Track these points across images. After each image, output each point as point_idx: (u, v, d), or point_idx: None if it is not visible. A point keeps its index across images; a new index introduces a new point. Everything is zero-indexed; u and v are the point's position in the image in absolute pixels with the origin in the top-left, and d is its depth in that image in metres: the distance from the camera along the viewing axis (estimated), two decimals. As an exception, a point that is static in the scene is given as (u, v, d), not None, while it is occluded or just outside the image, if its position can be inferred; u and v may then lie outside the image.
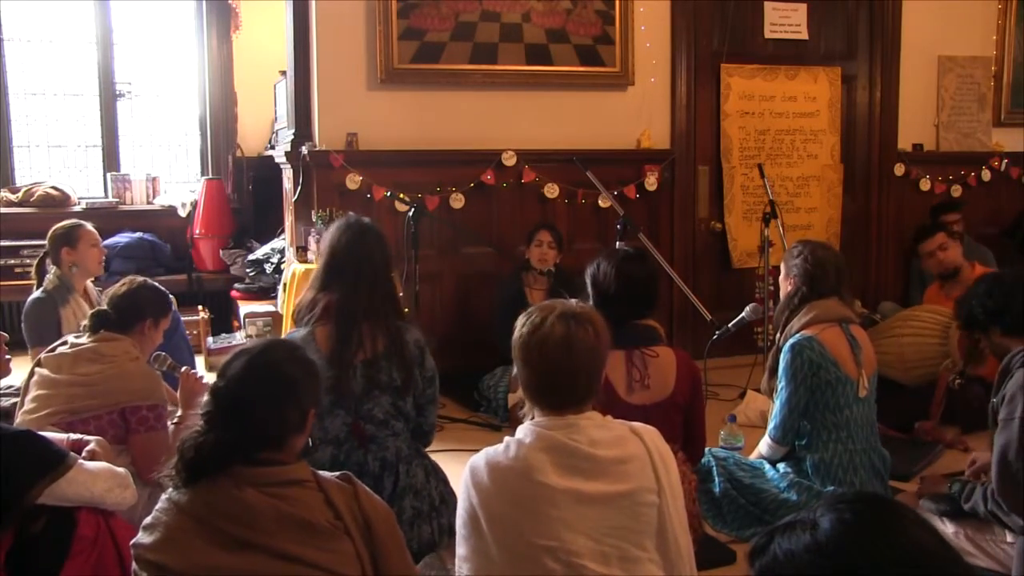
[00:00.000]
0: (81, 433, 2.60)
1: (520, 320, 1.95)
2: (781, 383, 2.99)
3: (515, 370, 1.98)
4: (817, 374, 2.91)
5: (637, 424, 1.95)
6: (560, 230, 4.57)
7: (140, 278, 3.03)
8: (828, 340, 2.95)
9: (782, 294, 3.16)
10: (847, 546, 0.98)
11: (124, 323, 2.86)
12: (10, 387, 3.48)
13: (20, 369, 3.06)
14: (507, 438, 1.90)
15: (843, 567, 0.97)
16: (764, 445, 3.09)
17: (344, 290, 2.69)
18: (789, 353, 2.96)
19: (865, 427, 2.98)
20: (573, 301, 1.99)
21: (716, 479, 3.05)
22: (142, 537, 1.68)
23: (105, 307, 2.90)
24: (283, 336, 2.77)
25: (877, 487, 2.97)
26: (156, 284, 3.04)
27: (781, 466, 3.03)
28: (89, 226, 3.92)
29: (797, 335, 2.98)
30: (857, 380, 2.95)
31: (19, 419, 2.73)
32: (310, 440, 2.60)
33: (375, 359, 2.67)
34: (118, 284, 2.97)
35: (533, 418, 1.92)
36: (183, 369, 2.98)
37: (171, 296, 3.02)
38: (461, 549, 1.88)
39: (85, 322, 2.89)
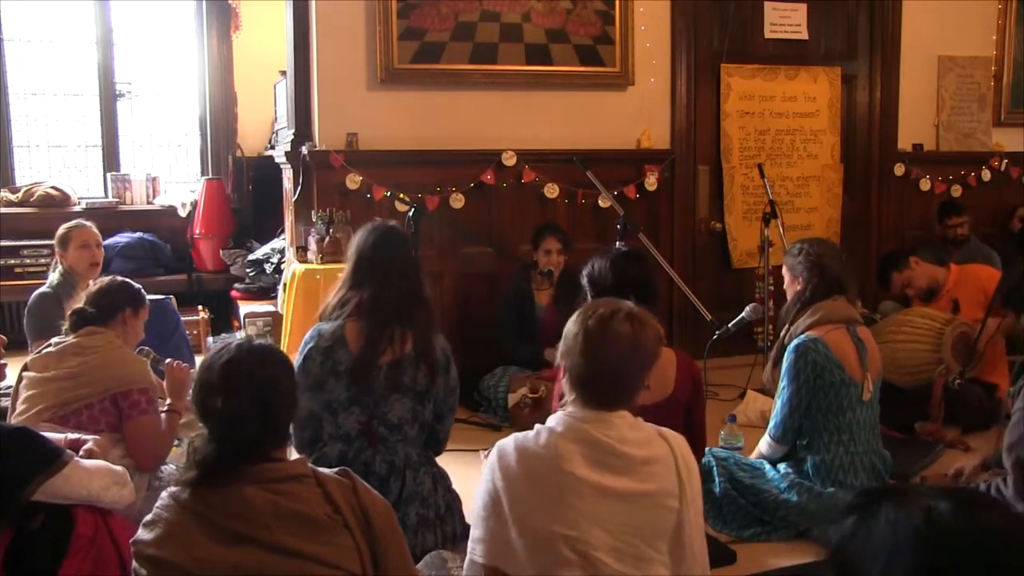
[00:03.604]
0: (75, 424, 2.64)
1: (583, 311, 1.95)
2: (783, 382, 2.98)
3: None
4: (821, 375, 2.90)
5: (665, 429, 1.97)
6: (564, 232, 4.57)
7: (111, 276, 3.13)
8: (833, 341, 2.94)
9: (789, 295, 3.14)
10: (961, 538, 0.96)
11: (103, 316, 2.92)
12: (9, 387, 3.49)
13: (17, 368, 3.06)
14: (538, 426, 1.92)
15: (950, 558, 0.95)
16: (764, 444, 3.09)
17: (375, 289, 2.68)
18: (793, 353, 2.95)
19: (868, 430, 2.97)
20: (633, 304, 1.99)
21: (716, 479, 3.04)
22: (142, 534, 1.69)
23: (83, 306, 2.95)
24: (312, 329, 2.76)
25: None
26: (128, 280, 3.11)
27: (782, 467, 3.03)
28: (86, 227, 4.00)
29: (802, 335, 2.96)
30: (862, 383, 2.94)
31: (12, 422, 2.74)
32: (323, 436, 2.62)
33: (401, 361, 2.65)
34: (92, 285, 3.08)
35: (566, 407, 1.93)
36: (167, 361, 3.06)
37: (171, 296, 3.04)
38: (477, 531, 1.89)
39: (65, 324, 2.94)
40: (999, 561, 0.95)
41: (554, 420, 1.91)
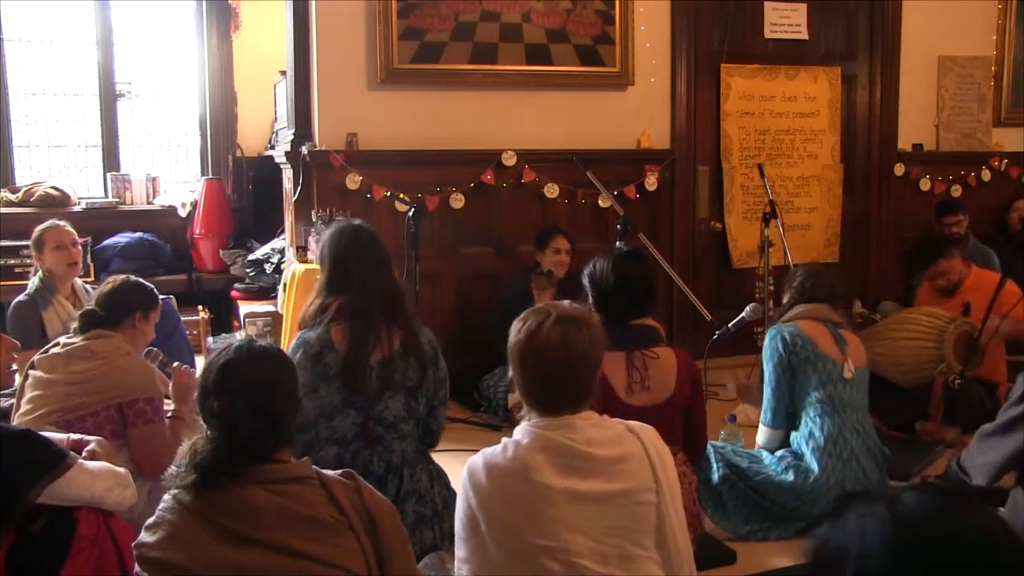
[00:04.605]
0: (79, 430, 2.61)
1: (515, 325, 1.94)
2: (765, 368, 3.13)
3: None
4: (794, 352, 3.05)
5: (634, 423, 1.95)
6: (570, 234, 4.56)
7: (124, 275, 3.06)
8: (807, 328, 3.10)
9: None
10: (925, 528, 0.97)
11: (113, 319, 2.88)
12: (12, 390, 3.48)
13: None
14: (504, 439, 1.90)
15: (916, 546, 0.95)
16: (760, 433, 3.17)
17: (354, 292, 2.68)
18: (768, 338, 3.14)
19: (856, 410, 3.06)
20: (567, 303, 1.99)
21: (714, 465, 3.07)
22: (145, 536, 1.68)
23: (93, 306, 2.91)
24: (296, 338, 2.75)
25: (874, 473, 3.02)
26: (141, 280, 3.06)
27: (778, 452, 3.11)
28: (59, 227, 3.90)
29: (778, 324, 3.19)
30: (841, 363, 3.05)
31: (16, 421, 2.74)
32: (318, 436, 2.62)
33: (391, 359, 2.66)
34: (103, 283, 3.01)
35: (530, 419, 1.92)
36: (175, 364, 3.00)
37: (171, 296, 3.02)
38: (460, 551, 1.88)
39: (75, 324, 2.90)
40: (969, 559, 0.94)
41: (519, 432, 1.89)
